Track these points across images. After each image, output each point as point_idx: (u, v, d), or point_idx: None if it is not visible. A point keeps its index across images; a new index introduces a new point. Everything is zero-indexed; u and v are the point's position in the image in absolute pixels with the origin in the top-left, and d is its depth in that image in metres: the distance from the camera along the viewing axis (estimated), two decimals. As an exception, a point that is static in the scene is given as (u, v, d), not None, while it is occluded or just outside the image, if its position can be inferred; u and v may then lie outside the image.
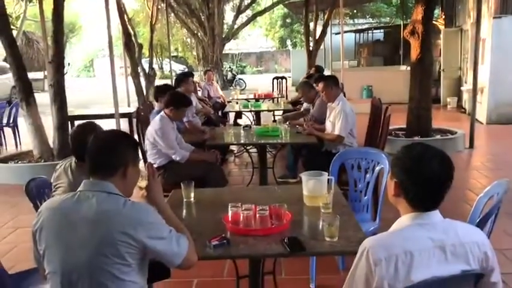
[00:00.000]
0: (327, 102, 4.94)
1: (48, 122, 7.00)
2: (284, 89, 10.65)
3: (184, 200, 2.82)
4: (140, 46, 11.70)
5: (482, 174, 6.09)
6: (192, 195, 2.84)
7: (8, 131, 9.12)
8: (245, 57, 37.55)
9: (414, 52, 7.40)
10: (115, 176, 1.83)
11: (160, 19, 16.20)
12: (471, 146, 7.46)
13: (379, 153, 3.35)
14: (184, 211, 2.73)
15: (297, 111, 7.47)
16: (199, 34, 21.05)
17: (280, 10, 29.66)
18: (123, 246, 1.68)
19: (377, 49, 20.47)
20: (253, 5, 24.77)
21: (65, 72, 6.76)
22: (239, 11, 22.61)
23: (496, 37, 9.55)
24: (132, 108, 9.09)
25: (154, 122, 4.35)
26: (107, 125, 8.42)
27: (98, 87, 25.13)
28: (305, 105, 7.85)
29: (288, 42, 33.59)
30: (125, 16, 11.12)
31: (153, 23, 12.54)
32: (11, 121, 9.09)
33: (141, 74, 11.22)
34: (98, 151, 1.87)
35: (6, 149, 8.92)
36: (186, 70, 29.84)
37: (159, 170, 4.25)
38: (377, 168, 3.33)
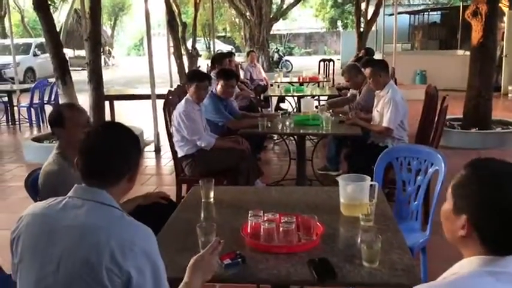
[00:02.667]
0: (375, 89, 4.45)
1: (86, 101, 6.85)
2: (331, 72, 10.08)
3: (203, 200, 2.47)
4: (184, 25, 11.42)
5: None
6: (212, 194, 2.48)
7: (49, 108, 9.11)
8: (294, 38, 36.80)
9: (476, 35, 6.70)
10: (117, 184, 1.49)
11: (208, -2, 15.91)
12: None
13: (434, 153, 2.87)
14: (200, 214, 2.39)
15: (343, 97, 6.98)
16: (247, 14, 20.60)
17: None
18: (106, 272, 1.33)
19: (433, 32, 19.41)
20: (304, -16, 24.02)
21: (104, 50, 6.52)
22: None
23: None
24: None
25: (180, 105, 4.02)
26: (148, 106, 8.30)
27: (146, 66, 25.22)
28: (352, 91, 7.35)
29: (339, 23, 32.52)
30: (170, -6, 10.87)
31: (198, 1, 12.20)
32: (52, 99, 9.06)
33: (184, 54, 10.96)
34: (101, 153, 1.51)
35: (47, 127, 8.91)
36: (231, 50, 29.65)
37: (188, 158, 3.93)
38: (430, 171, 2.85)
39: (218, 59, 5.79)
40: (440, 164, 2.77)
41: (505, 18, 12.35)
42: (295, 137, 4.70)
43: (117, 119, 6.90)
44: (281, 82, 8.71)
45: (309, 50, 36.07)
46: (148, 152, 6.85)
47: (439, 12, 20.83)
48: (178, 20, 10.95)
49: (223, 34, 34.73)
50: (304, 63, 22.84)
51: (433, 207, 2.77)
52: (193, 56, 10.92)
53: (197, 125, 3.91)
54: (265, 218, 1.97)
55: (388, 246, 1.85)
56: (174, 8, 10.79)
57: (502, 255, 1.14)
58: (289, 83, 8.69)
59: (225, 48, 26.48)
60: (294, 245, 1.89)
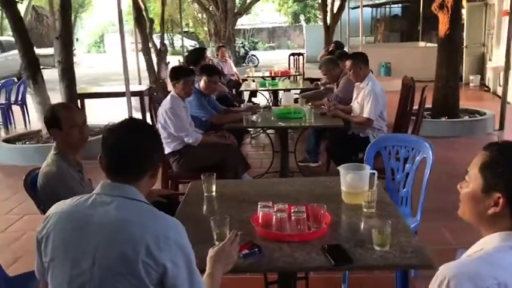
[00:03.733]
0: (355, 81, 4.56)
1: (58, 99, 6.71)
2: (301, 66, 10.20)
3: (205, 194, 2.51)
4: (151, 21, 11.29)
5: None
6: (214, 188, 2.52)
7: (16, 109, 8.86)
8: (257, 33, 36.82)
9: (443, 27, 6.94)
10: (141, 180, 1.51)
11: (171, -7, 15.72)
12: (501, 127, 7.04)
13: (421, 141, 2.99)
14: (204, 208, 2.42)
15: (317, 90, 7.11)
16: (211, 9, 20.49)
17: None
18: (143, 266, 1.36)
19: (394, 25, 19.85)
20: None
21: (73, 48, 6.40)
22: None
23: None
24: (144, 86, 8.76)
25: (165, 102, 4.02)
26: (118, 104, 8.16)
27: (108, 64, 24.78)
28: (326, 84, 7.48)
29: (302, 17, 32.78)
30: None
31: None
32: (19, 99, 8.81)
33: (152, 50, 10.84)
34: (126, 149, 1.51)
35: (15, 127, 8.67)
36: (197, 46, 29.42)
37: (175, 155, 3.94)
38: (418, 158, 2.97)
39: (198, 55, 5.78)
40: (428, 151, 2.90)
41: (464, 11, 12.75)
42: (277, 130, 4.76)
43: (90, 118, 6.77)
44: (254, 76, 8.77)
45: (272, 45, 36.22)
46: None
47: (400, 5, 21.31)
48: (145, 15, 10.83)
49: (186, 29, 34.43)
50: (269, 58, 22.96)
51: (423, 194, 2.90)
52: (162, 51, 10.83)
53: (183, 122, 3.92)
54: (276, 209, 2.02)
55: (394, 231, 1.93)
56: (141, 3, 10.65)
57: None
58: (262, 77, 8.75)
59: (189, 43, 26.30)
60: (305, 233, 1.95)
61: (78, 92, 7.17)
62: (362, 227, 2.09)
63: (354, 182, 2.29)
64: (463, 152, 5.71)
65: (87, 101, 7.68)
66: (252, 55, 21.72)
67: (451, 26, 6.83)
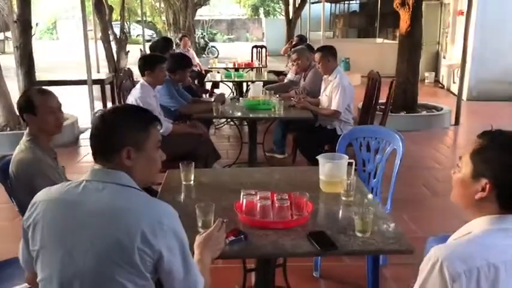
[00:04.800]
0: (324, 74, 4.64)
1: (15, 87, 6.46)
2: (263, 58, 10.24)
3: (183, 183, 2.50)
4: (111, 8, 11.02)
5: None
6: (192, 177, 2.51)
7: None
8: (216, 24, 36.61)
9: (404, 24, 7.15)
10: (117, 163, 1.48)
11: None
12: (457, 122, 7.34)
13: (392, 133, 3.09)
14: (183, 196, 2.42)
15: (281, 83, 7.16)
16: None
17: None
18: (138, 253, 1.35)
19: (352, 21, 20.18)
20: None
21: (32, 33, 6.17)
22: (212, -24, 21.78)
23: (480, 12, 9.38)
24: (103, 75, 8.55)
25: (135, 91, 3.96)
26: (77, 92, 7.94)
27: (62, 51, 24.03)
28: (289, 75, 7.55)
29: (261, 10, 32.82)
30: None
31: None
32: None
33: (111, 38, 10.59)
34: (99, 131, 1.51)
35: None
36: (155, 36, 28.87)
37: (144, 144, 3.88)
38: (388, 149, 3.07)
39: (165, 44, 5.70)
40: (399, 143, 2.99)
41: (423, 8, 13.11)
42: (246, 121, 4.77)
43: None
44: (217, 68, 8.74)
45: (231, 37, 36.13)
46: (85, 139, 6.60)
47: (358, 1, 21.68)
48: (105, 2, 10.54)
49: (143, 19, 33.77)
50: (229, 50, 22.88)
51: (393, 183, 2.99)
52: (122, 40, 10.59)
53: (154, 111, 3.85)
54: (259, 197, 2.04)
55: (374, 218, 2.00)
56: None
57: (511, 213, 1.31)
58: (225, 68, 8.73)
59: (146, 33, 25.80)
60: (289, 220, 1.98)
61: (41, 79, 6.94)
62: (342, 214, 2.14)
63: (332, 171, 2.34)
64: (422, 146, 5.92)
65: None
66: (212, 46, 21.60)
67: (412, 23, 7.04)
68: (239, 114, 4.39)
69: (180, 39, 9.52)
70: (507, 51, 9.54)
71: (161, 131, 3.83)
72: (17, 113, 2.41)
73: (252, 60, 9.91)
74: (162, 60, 3.99)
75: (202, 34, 23.30)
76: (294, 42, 8.48)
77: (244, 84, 7.61)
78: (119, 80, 4.01)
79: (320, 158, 2.39)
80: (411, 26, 7.04)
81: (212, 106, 4.33)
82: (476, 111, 8.69)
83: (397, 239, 1.87)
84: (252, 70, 8.57)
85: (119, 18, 11.81)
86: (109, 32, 10.69)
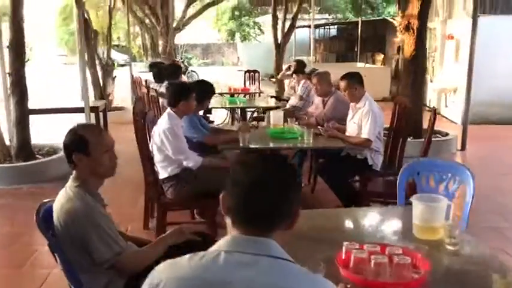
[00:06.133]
0: (351, 102, 4.40)
1: (3, 116, 6.02)
2: (257, 83, 9.99)
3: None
4: (96, 33, 10.62)
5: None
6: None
7: None
8: (191, 49, 36.47)
9: (408, 49, 7.04)
10: (276, 232, 1.17)
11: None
12: (463, 148, 7.23)
13: (461, 168, 2.82)
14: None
15: (284, 108, 6.92)
16: (146, 22, 19.82)
17: (227, 3, 28.76)
18: None
19: (333, 45, 20.30)
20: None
21: (26, 59, 5.77)
22: (190, 1, 21.64)
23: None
24: (98, 102, 8.15)
25: (162, 121, 3.62)
26: (63, 121, 7.46)
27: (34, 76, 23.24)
28: (292, 101, 7.32)
29: (238, 35, 32.88)
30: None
31: (112, 8, 11.45)
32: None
33: (98, 63, 10.19)
34: (271, 191, 1.19)
35: None
36: (127, 60, 28.51)
37: (171, 180, 3.53)
38: (454, 186, 2.80)
39: (175, 71, 5.39)
40: (469, 179, 2.71)
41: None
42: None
43: (36, 138, 6.11)
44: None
45: (206, 61, 36.05)
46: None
47: (336, 26, 21.89)
48: (91, 28, 10.15)
49: (116, 43, 33.34)
50: (205, 74, 22.56)
51: (464, 225, 2.71)
52: (109, 65, 10.19)
53: (183, 143, 3.54)
54: (369, 250, 1.74)
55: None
56: (86, 15, 9.98)
57: None
58: (220, 94, 8.47)
59: (121, 57, 25.43)
60: (409, 281, 1.68)
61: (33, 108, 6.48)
62: (459, 269, 1.85)
63: (430, 214, 2.06)
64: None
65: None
66: (192, 71, 21.33)
67: (417, 48, 6.94)
68: (271, 144, 4.09)
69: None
70: (499, 75, 9.59)
71: (190, 165, 3.52)
72: (65, 152, 2.04)
73: (245, 85, 9.67)
74: (192, 89, 3.70)
75: (181, 59, 23.04)
76: (292, 67, 8.29)
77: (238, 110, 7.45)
78: (137, 109, 3.65)
79: (414, 199, 2.11)
80: (416, 50, 6.93)
81: (237, 136, 4.02)
82: (475, 135, 8.61)
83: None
84: (245, 96, 8.37)
85: (103, 43, 11.41)
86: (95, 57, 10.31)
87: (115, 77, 10.36)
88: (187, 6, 21.79)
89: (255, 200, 1.18)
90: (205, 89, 4.18)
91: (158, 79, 6.28)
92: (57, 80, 19.46)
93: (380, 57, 17.99)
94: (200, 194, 3.48)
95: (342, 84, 4.36)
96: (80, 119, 6.49)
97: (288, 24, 12.17)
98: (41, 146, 6.18)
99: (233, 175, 1.21)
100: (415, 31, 6.90)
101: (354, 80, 4.33)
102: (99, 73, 10.25)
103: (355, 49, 18.04)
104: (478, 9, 9.64)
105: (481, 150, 7.45)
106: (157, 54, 22.25)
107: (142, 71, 19.91)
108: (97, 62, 10.27)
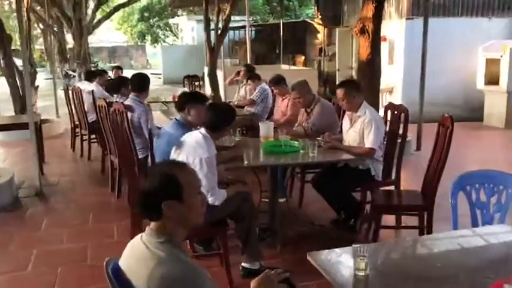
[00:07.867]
0: (349, 111, 4.20)
1: None
2: (198, 89, 9.51)
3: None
4: (10, 38, 9.47)
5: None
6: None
7: None
8: (96, 52, 34.64)
9: (364, 52, 7.04)
10: None
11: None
12: (418, 148, 7.39)
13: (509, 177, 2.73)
14: None
15: (244, 116, 6.64)
16: (51, 23, 18.35)
17: (134, 4, 27.61)
18: None
19: (253, 48, 20.22)
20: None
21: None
22: (100, 2, 20.43)
23: (408, 39, 9.76)
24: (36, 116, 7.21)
25: (197, 145, 3.12)
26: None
27: None
28: (249, 108, 7.04)
29: (148, 37, 31.79)
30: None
31: (27, 8, 10.29)
32: None
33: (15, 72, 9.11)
34: None
35: None
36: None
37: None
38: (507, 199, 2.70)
39: (145, 81, 4.88)
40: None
41: (336, 35, 13.46)
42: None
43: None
44: (156, 101, 7.95)
45: (113, 64, 34.47)
46: (25, 198, 5.31)
47: (253, 28, 21.87)
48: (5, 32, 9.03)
49: (12, 47, 30.72)
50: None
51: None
52: (31, 73, 9.12)
53: (215, 176, 3.11)
54: None
55: None
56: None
57: None
58: (163, 102, 8.01)
59: (19, 63, 23.45)
60: None
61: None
62: None
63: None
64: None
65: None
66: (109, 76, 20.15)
67: (372, 51, 6.95)
68: (281, 161, 3.76)
69: (113, 70, 8.67)
70: (429, 76, 10.02)
71: (216, 203, 3.08)
72: (149, 201, 1.58)
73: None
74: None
75: (95, 63, 21.72)
76: (241, 73, 7.98)
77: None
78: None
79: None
80: (371, 53, 6.95)
81: (237, 152, 3.66)
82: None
83: None
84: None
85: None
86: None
87: (37, 86, 9.33)
88: (97, 8, 20.57)
89: None
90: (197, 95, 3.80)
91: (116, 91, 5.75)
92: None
93: (301, 59, 18.25)
94: (216, 220, 3.11)
95: (339, 93, 4.14)
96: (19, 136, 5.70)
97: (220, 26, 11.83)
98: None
99: None
100: (371, 34, 6.91)
101: (351, 88, 4.14)
102: (18, 82, 9.17)
103: (276, 51, 18.14)
104: (412, 11, 10.10)
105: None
106: (66, 59, 20.81)
107: (48, 78, 18.41)
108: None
